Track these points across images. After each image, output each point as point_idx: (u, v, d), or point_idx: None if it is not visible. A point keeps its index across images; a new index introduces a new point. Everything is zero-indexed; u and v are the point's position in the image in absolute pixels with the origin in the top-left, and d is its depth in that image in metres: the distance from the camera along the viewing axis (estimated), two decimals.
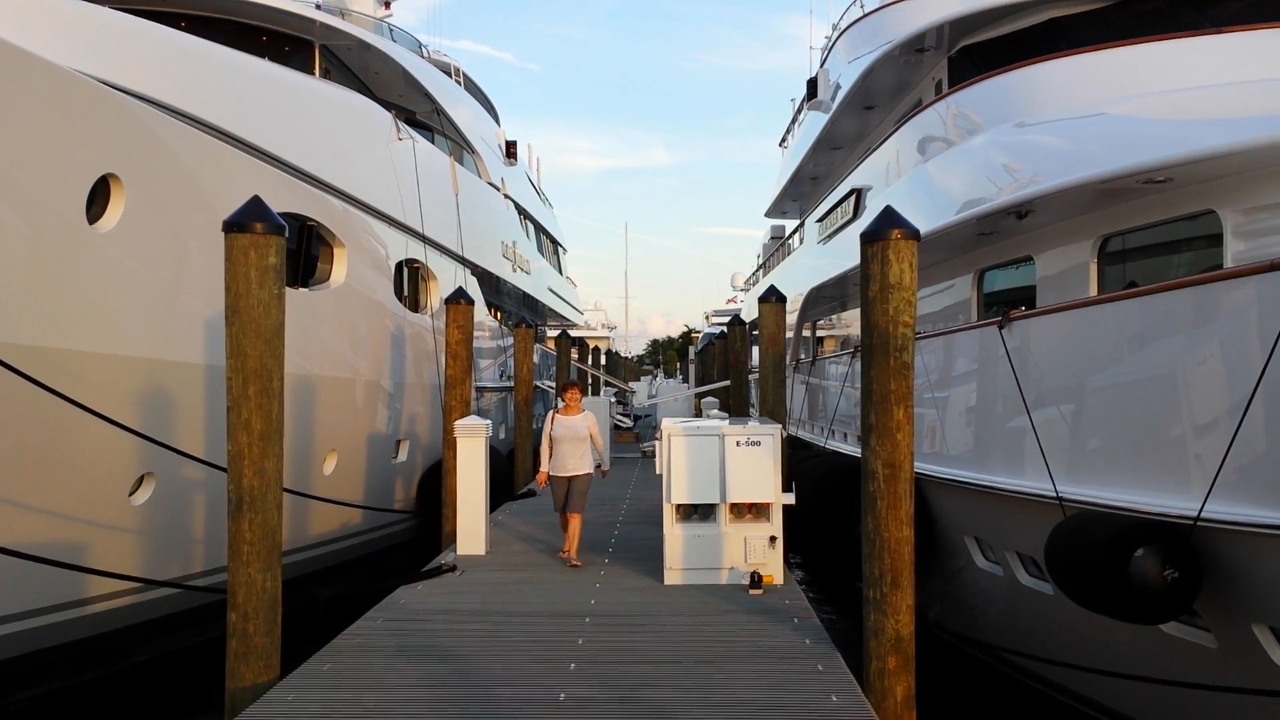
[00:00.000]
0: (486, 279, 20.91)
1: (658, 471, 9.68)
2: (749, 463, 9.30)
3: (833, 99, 17.87)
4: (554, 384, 24.40)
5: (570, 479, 10.35)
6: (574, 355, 27.83)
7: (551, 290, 32.48)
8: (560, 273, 36.89)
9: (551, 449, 10.36)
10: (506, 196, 24.31)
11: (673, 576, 9.42)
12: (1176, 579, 6.03)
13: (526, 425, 18.60)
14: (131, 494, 9.44)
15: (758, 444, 9.33)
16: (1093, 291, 9.56)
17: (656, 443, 10.05)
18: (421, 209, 15.44)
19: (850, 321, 19.47)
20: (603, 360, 47.69)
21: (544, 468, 10.44)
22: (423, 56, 19.55)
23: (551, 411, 10.56)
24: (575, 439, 10.30)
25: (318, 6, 15.40)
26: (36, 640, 8.78)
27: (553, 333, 32.41)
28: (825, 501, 10.88)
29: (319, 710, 6.01)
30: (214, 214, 8.66)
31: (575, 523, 10.40)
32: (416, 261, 15.64)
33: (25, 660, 8.74)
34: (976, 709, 9.85)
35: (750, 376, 20.93)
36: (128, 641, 9.82)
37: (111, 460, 9.08)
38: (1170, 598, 6.10)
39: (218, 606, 7.41)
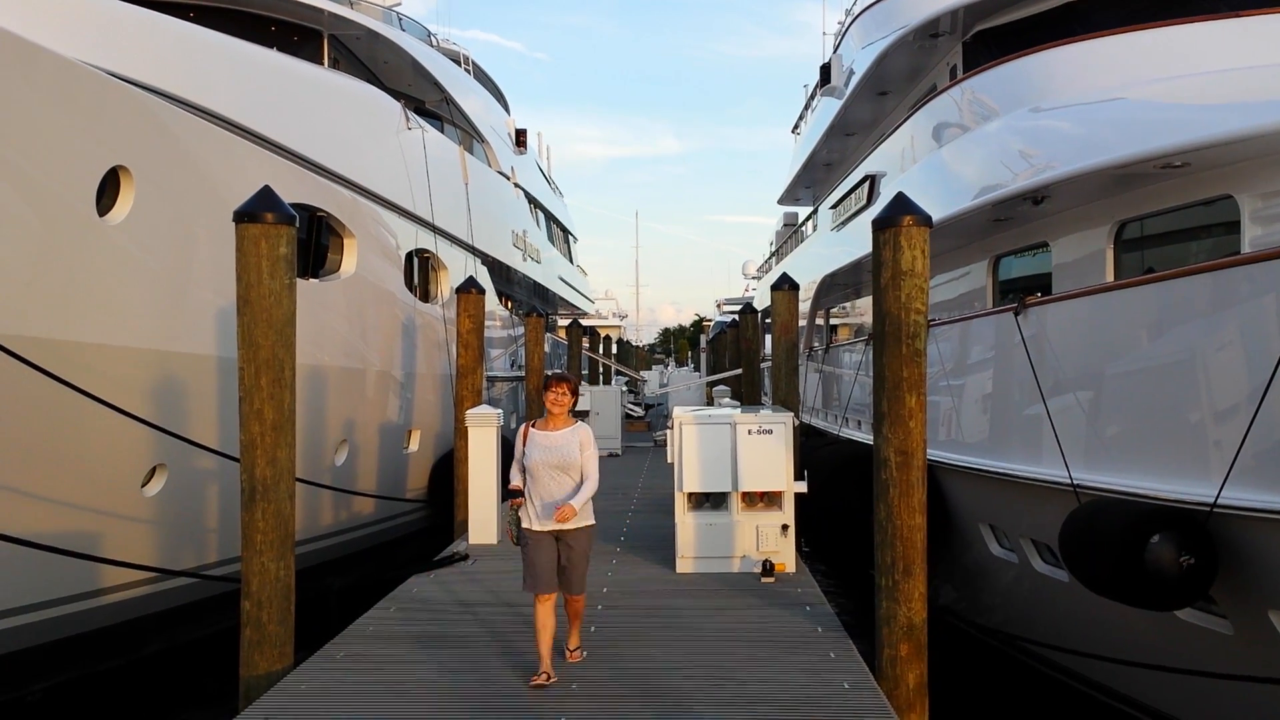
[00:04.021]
0: (497, 268, 20.90)
1: (669, 460, 9.66)
2: (761, 451, 9.27)
3: (846, 85, 17.75)
4: None
5: (559, 536, 6.42)
6: (585, 344, 27.84)
7: (562, 279, 32.48)
8: (571, 261, 36.89)
9: (525, 484, 6.50)
10: (516, 185, 24.28)
11: (685, 565, 9.40)
12: (1192, 565, 5.98)
13: (538, 415, 18.60)
14: (144, 485, 9.47)
15: (769, 432, 9.30)
16: (1109, 278, 9.47)
17: (668, 431, 10.02)
18: (431, 198, 15.42)
19: (864, 309, 19.38)
20: (614, 349, 47.68)
21: (509, 516, 6.57)
22: (432, 45, 19.51)
23: (525, 425, 6.67)
24: (561, 468, 6.37)
25: None
26: (51, 631, 8.83)
27: (564, 322, 32.41)
28: (838, 489, 10.83)
29: (332, 698, 6.03)
30: (224, 205, 8.66)
31: (576, 607, 6.66)
32: (427, 251, 15.63)
33: (41, 651, 8.79)
34: (990, 696, 9.83)
35: (763, 365, 20.88)
36: (142, 632, 9.88)
37: (124, 452, 9.10)
38: (1185, 584, 6.05)
39: (231, 596, 7.43)
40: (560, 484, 6.38)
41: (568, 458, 6.37)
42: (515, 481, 6.55)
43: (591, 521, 6.54)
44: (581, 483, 6.40)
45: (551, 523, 6.34)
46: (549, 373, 9.01)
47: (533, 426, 6.59)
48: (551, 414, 6.54)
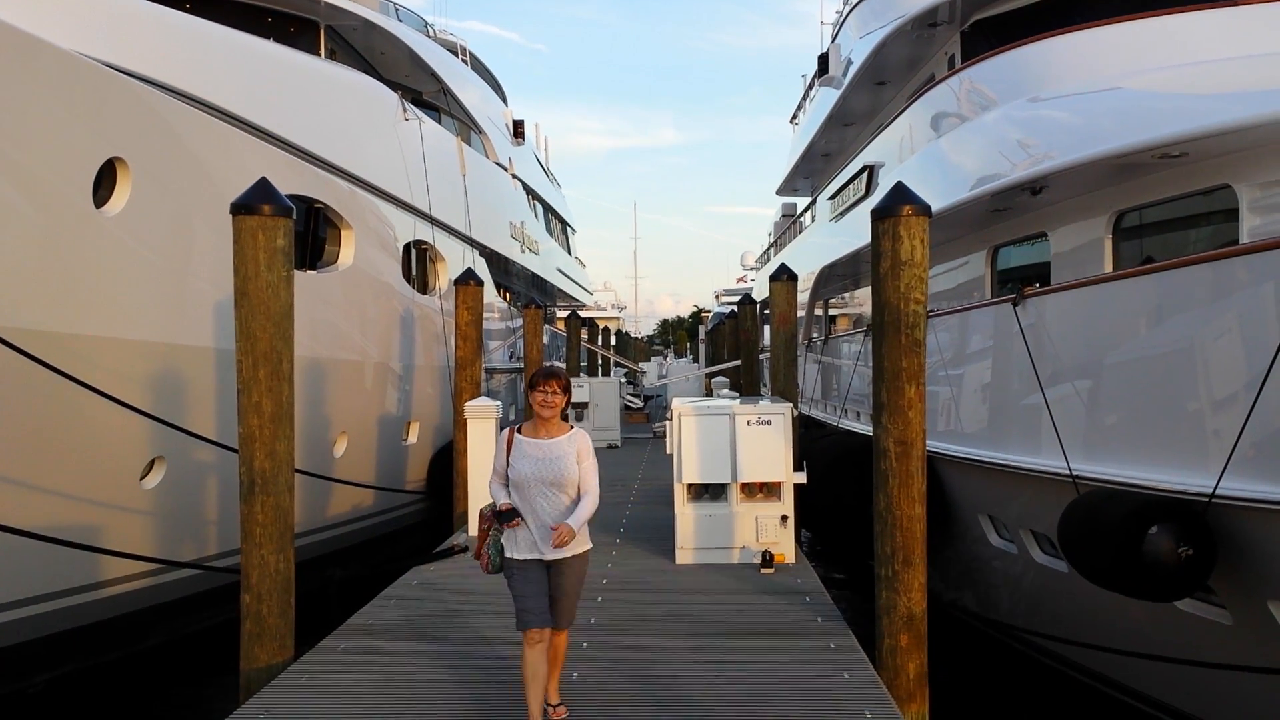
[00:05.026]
0: (495, 260, 20.87)
1: (668, 451, 9.66)
2: (760, 442, 9.27)
3: (844, 75, 17.72)
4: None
5: (550, 565, 5.29)
6: (584, 336, 27.82)
7: (560, 271, 32.44)
8: (569, 253, 36.84)
9: (508, 499, 5.33)
10: (514, 177, 24.23)
11: (684, 556, 9.42)
12: (1191, 556, 6.00)
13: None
14: (143, 478, 9.47)
15: (768, 423, 9.30)
16: (1108, 268, 9.47)
17: (667, 423, 10.02)
18: (429, 190, 15.39)
19: (863, 300, 19.38)
20: (613, 341, 47.68)
21: (485, 537, 5.37)
22: (429, 36, 19.46)
23: (508, 430, 5.44)
24: (555, 484, 5.24)
25: None
26: (52, 623, 8.84)
27: (562, 313, 32.39)
28: (837, 479, 10.84)
29: (333, 690, 6.04)
30: (221, 197, 8.63)
31: (558, 646, 5.50)
32: (424, 243, 15.61)
33: (41, 643, 8.81)
34: (989, 687, 9.86)
35: (761, 356, 20.88)
36: (142, 624, 9.89)
37: (123, 444, 9.10)
38: (1184, 575, 6.06)
39: (231, 588, 7.44)
40: (553, 503, 5.22)
41: (562, 472, 5.20)
42: (503, 499, 5.33)
43: (588, 546, 5.40)
44: (579, 498, 5.27)
45: (541, 550, 5.22)
46: (546, 365, 6.69)
47: (518, 432, 5.37)
48: (541, 417, 5.31)
